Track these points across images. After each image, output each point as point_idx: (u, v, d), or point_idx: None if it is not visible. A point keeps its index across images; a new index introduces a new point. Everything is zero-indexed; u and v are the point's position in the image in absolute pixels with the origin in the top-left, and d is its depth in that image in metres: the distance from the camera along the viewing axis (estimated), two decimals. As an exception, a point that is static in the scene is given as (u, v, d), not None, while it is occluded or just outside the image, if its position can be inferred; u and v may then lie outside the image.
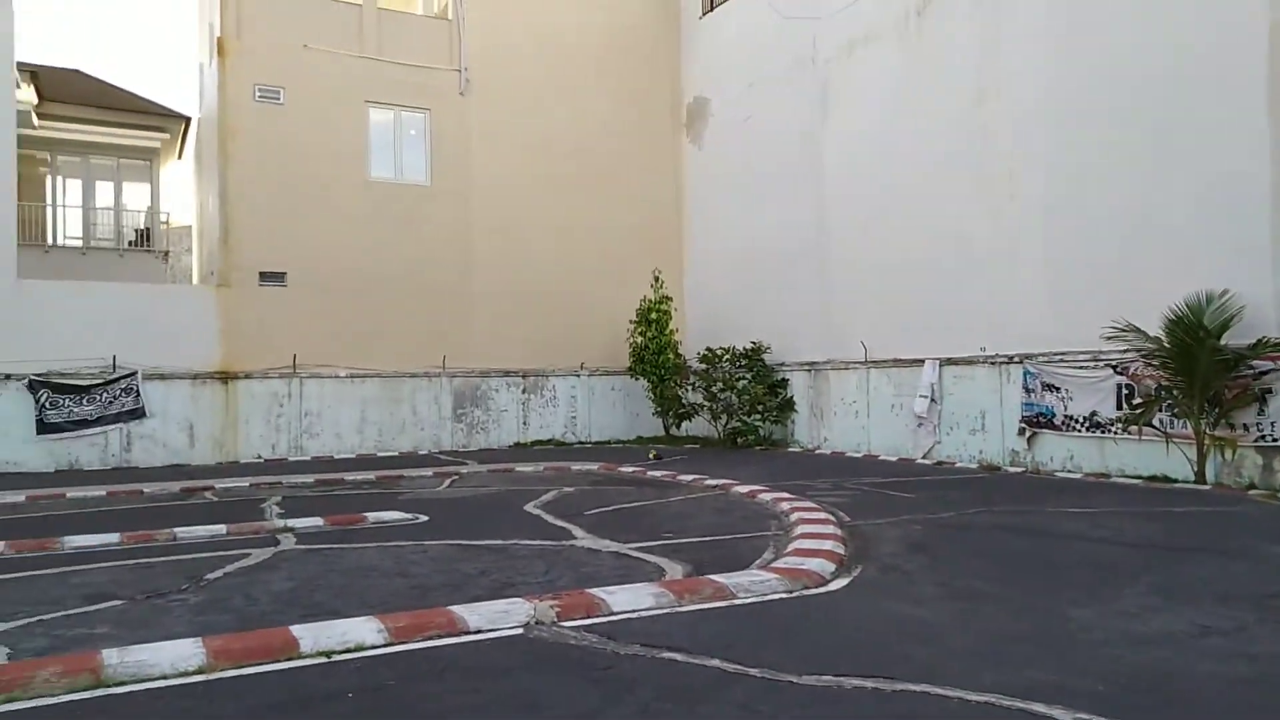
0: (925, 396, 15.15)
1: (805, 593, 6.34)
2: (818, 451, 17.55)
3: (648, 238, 21.62)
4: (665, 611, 5.82)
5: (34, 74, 19.63)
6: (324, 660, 4.87)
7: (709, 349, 19.34)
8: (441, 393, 19.60)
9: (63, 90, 21.10)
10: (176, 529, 9.10)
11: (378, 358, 18.84)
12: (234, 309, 17.77)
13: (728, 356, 18.97)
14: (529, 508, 10.84)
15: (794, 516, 9.27)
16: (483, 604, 5.84)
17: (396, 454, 18.59)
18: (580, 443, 20.75)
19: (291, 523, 9.62)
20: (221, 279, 17.95)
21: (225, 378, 17.63)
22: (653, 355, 19.86)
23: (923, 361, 15.34)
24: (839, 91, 17.47)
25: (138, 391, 16.85)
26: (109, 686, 4.41)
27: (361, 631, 5.21)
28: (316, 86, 18.41)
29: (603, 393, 21.31)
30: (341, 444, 18.55)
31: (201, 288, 19.30)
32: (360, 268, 18.65)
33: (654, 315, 19.89)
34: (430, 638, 5.27)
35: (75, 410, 16.38)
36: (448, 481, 13.87)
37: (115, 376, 16.70)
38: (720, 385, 18.81)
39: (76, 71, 22.52)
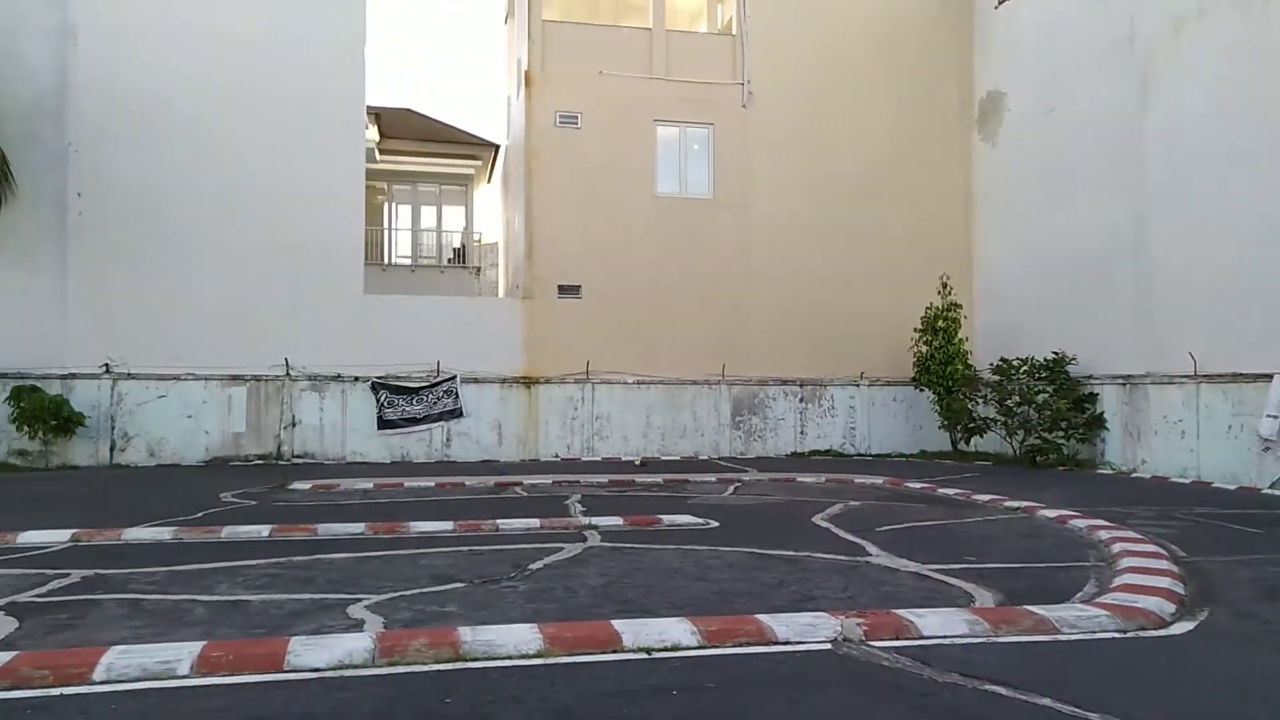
0: (1275, 417, 13.14)
1: (1142, 634, 5.75)
2: (1134, 475, 15.81)
3: (933, 242, 20.69)
4: (981, 640, 5.54)
5: (377, 115, 22.66)
6: (645, 656, 5.16)
7: (1003, 359, 18.09)
8: (721, 400, 20.02)
9: (398, 127, 24.16)
10: (498, 520, 10.06)
11: (662, 365, 19.64)
12: (536, 319, 19.34)
13: (1025, 368, 17.63)
14: (817, 520, 10.76)
15: (1116, 548, 8.43)
16: (788, 615, 5.89)
17: (678, 458, 19.26)
18: (860, 455, 20.27)
19: (594, 520, 10.28)
20: (525, 292, 19.61)
21: (528, 382, 19.23)
22: (939, 365, 18.95)
23: (1270, 377, 13.32)
24: (1163, 76, 15.66)
25: (457, 394, 18.84)
26: (466, 661, 4.98)
27: (677, 632, 5.45)
28: (610, 109, 19.59)
29: (883, 403, 20.68)
30: (628, 446, 19.53)
31: (509, 300, 21.23)
32: (647, 279, 19.56)
33: (941, 323, 18.98)
34: (740, 644, 5.40)
35: (407, 409, 18.64)
36: (731, 488, 14.13)
37: (439, 380, 18.79)
38: (1017, 399, 17.53)
39: (409, 110, 25.68)
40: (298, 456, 18.07)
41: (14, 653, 4.82)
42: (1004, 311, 19.84)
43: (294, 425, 18.14)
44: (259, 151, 17.98)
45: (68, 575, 7.25)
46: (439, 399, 18.80)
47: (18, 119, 16.87)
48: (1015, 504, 11.69)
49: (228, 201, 17.82)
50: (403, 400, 18.64)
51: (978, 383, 19.11)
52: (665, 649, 5.25)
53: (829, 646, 5.41)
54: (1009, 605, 6.35)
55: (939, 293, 19.24)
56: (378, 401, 18.49)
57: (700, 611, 6.06)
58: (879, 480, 14.90)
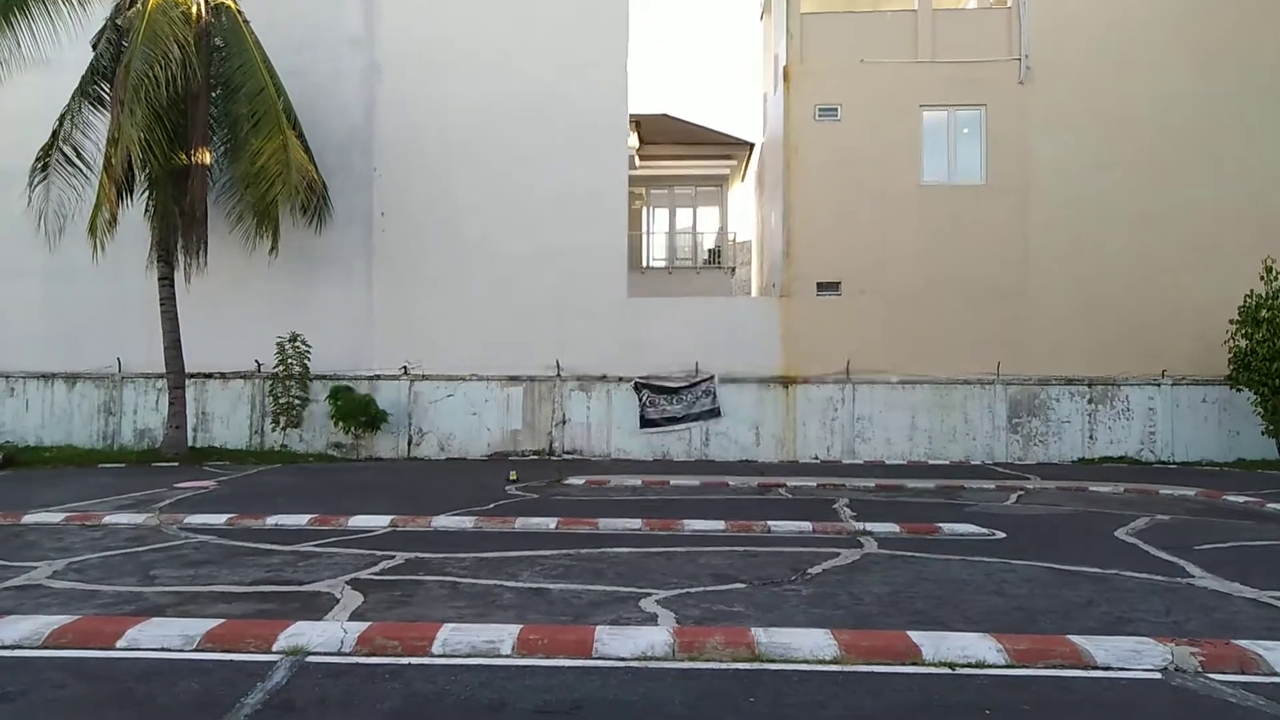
0: None
1: None
2: None
3: (1253, 220, 18.06)
4: (1357, 684, 4.74)
5: (637, 123, 23.50)
6: (947, 671, 4.92)
7: (1347, 354, 15.46)
8: (996, 401, 18.74)
9: (655, 133, 24.91)
10: (769, 522, 10.05)
11: (929, 364, 18.71)
12: (794, 318, 19.15)
13: (1378, 364, 14.96)
14: (1120, 534, 9.75)
15: None
16: (1103, 638, 5.40)
17: (947, 462, 18.26)
18: (1161, 462, 18.14)
19: (868, 526, 9.97)
20: (783, 290, 19.47)
21: (786, 382, 19.08)
22: (1262, 361, 16.50)
23: None
24: None
25: (714, 394, 19.10)
26: (763, 661, 5.00)
27: (981, 648, 5.16)
28: (871, 98, 18.97)
29: (1190, 405, 18.35)
30: (891, 449, 18.82)
31: (766, 299, 21.19)
32: (912, 273, 18.72)
33: (1265, 313, 16.52)
34: (1053, 665, 5.02)
35: (667, 409, 19.17)
36: (1014, 496, 13.17)
37: (697, 380, 19.14)
38: (1367, 400, 14.91)
39: (665, 115, 26.42)
40: (567, 452, 19.16)
41: (368, 623, 5.49)
42: (1346, 298, 16.92)
43: (564, 423, 19.25)
44: (532, 165, 19.27)
45: (393, 557, 8.15)
46: (698, 399, 19.15)
47: (335, 150, 19.27)
48: (1376, 525, 9.93)
49: (504, 214, 19.27)
50: (663, 399, 19.18)
51: (1313, 381, 16.46)
52: (970, 665, 4.99)
53: (1159, 676, 4.90)
54: (1389, 646, 5.37)
55: (1263, 278, 16.75)
56: (640, 401, 19.17)
57: (1000, 628, 5.70)
58: (1190, 491, 13.26)
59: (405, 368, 19.18)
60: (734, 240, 27.15)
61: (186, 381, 17.90)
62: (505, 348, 19.09)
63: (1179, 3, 18.63)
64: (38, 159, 16.75)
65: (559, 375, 19.19)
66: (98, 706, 4.36)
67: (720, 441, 19.13)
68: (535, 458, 18.95)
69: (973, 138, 18.94)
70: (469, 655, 5.01)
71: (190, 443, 18.04)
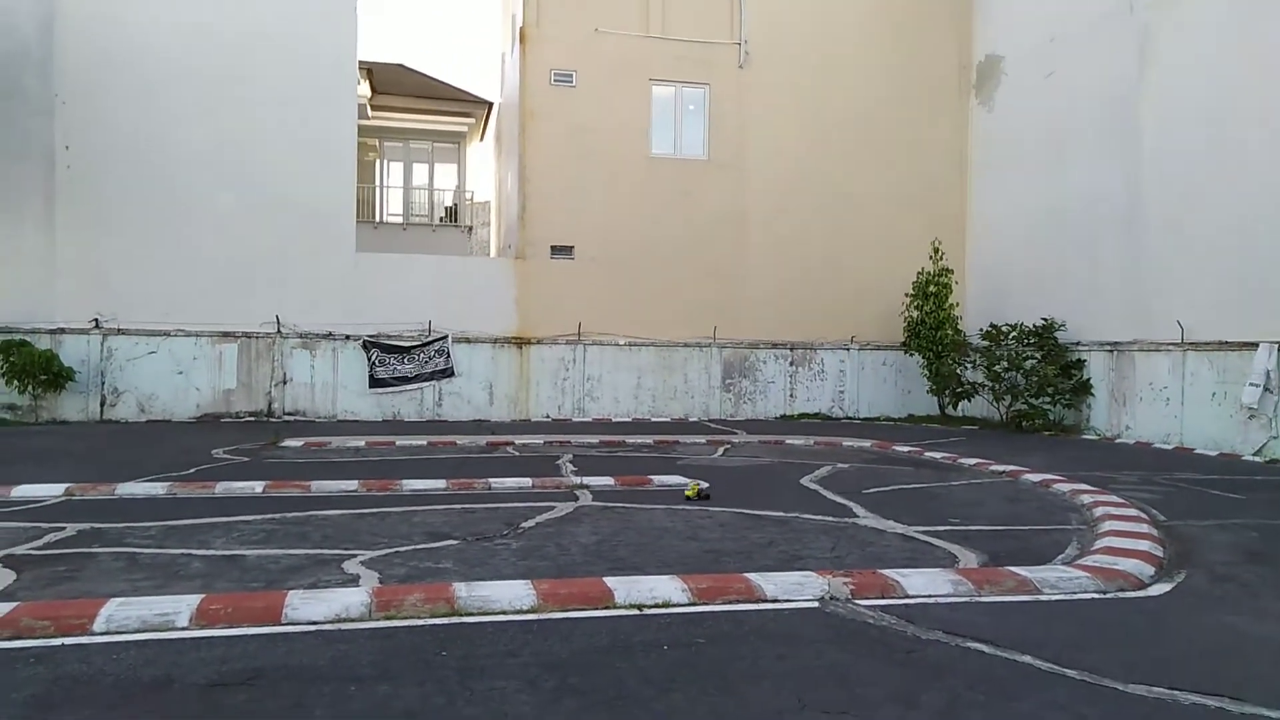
0: (1258, 385, 13.30)
1: (1121, 595, 5.91)
2: (1117, 441, 16.02)
3: (926, 207, 20.68)
4: (964, 600, 5.68)
5: (369, 70, 22.32)
6: (636, 612, 5.27)
7: (993, 325, 18.22)
8: (712, 362, 20.10)
9: (390, 83, 23.80)
10: (490, 479, 10.15)
11: (654, 327, 19.66)
12: (528, 280, 19.29)
13: (1014, 334, 17.76)
14: (805, 482, 10.90)
15: (1098, 511, 8.60)
16: (776, 574, 6.01)
17: (669, 420, 19.38)
18: (848, 418, 20.44)
19: (585, 480, 10.38)
20: (518, 252, 19.53)
21: (520, 343, 19.24)
22: (929, 330, 19.04)
23: (1256, 345, 13.46)
24: (1160, 43, 15.57)
25: (448, 353, 18.85)
26: (461, 615, 5.07)
27: (668, 589, 5.56)
28: (605, 67, 19.37)
29: (873, 367, 20.80)
30: (619, 408, 19.63)
31: (500, 260, 21.13)
32: (640, 241, 19.51)
33: (932, 288, 19.04)
34: (730, 601, 5.52)
35: (398, 368, 18.64)
36: (721, 450, 14.26)
37: (430, 339, 18.77)
38: (1005, 364, 17.67)
39: (401, 66, 25.25)
40: (289, 414, 18.10)
41: (14, 604, 4.88)
42: (995, 277, 19.92)
43: (285, 383, 18.14)
44: (251, 106, 17.75)
45: (63, 529, 7.31)
46: (430, 358, 18.80)
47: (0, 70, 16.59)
48: (1000, 468, 11.85)
49: (219, 156, 17.64)
50: (394, 359, 18.63)
51: (967, 348, 19.25)
52: (657, 605, 5.36)
53: (816, 605, 5.53)
54: (992, 566, 6.48)
55: (931, 258, 19.27)
56: (369, 360, 18.49)
57: (691, 570, 6.17)
58: (867, 443, 15.06)
59: (97, 320, 17.13)
60: (472, 199, 26.74)
61: None
62: (219, 302, 17.63)
63: (875, 14, 20.75)
64: None
65: (279, 332, 18.02)
66: None
67: (453, 401, 18.95)
68: (252, 420, 17.73)
69: (698, 115, 19.98)
70: (138, 631, 4.62)
71: None
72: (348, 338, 18.40)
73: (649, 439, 15.38)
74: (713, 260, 19.89)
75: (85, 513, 8.02)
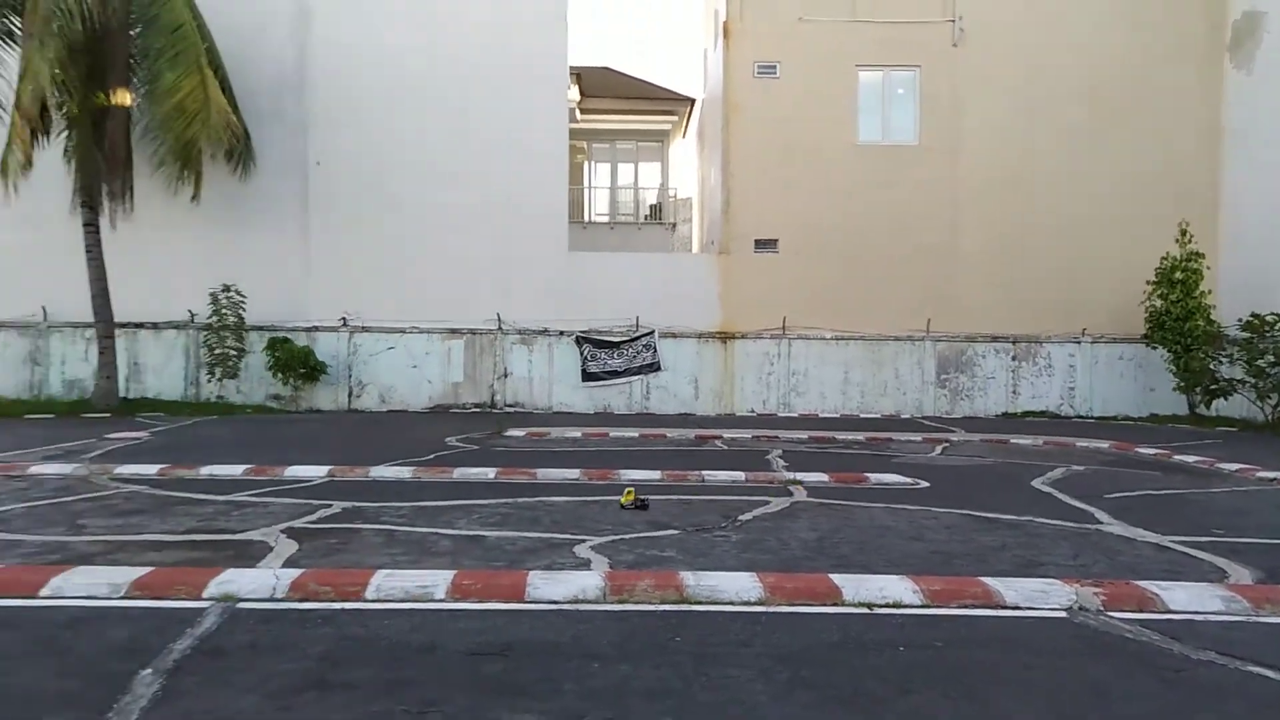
0: None
1: None
2: None
3: (1172, 185, 18.74)
4: (1239, 619, 5.13)
5: (578, 75, 23.17)
6: (865, 611, 5.15)
7: (1255, 315, 16.26)
8: (925, 357, 19.27)
9: (597, 86, 24.60)
10: (703, 472, 10.27)
11: (862, 320, 19.12)
12: (732, 274, 19.33)
13: (1280, 324, 15.78)
14: (1037, 484, 10.22)
15: (1400, 527, 7.47)
16: (1016, 580, 5.69)
17: (878, 416, 18.78)
18: (1080, 417, 18.92)
19: (798, 475, 10.26)
20: (722, 247, 19.61)
21: (724, 337, 19.32)
22: (1175, 321, 17.27)
23: None
24: None
25: (655, 348, 19.25)
26: (690, 604, 5.17)
27: (898, 589, 5.40)
28: (809, 57, 19.03)
29: (1108, 362, 19.14)
30: (825, 403, 19.26)
31: (705, 256, 21.29)
32: (847, 232, 19.02)
33: (1179, 275, 17.25)
34: (965, 606, 5.28)
35: (609, 363, 19.27)
36: (939, 448, 13.65)
37: (638, 334, 19.25)
38: (1270, 358, 15.72)
39: (607, 69, 26.10)
40: (509, 405, 19.16)
41: (300, 570, 5.51)
42: (1255, 261, 17.73)
43: (505, 376, 19.22)
44: (473, 116, 18.92)
45: (330, 505, 8.15)
46: (638, 353, 19.28)
47: (266, 94, 18.64)
48: (1269, 474, 10.58)
49: (445, 166, 18.93)
50: (605, 354, 19.27)
51: (1222, 340, 17.29)
52: (887, 605, 5.23)
53: (1063, 615, 5.20)
54: (1272, 584, 5.80)
55: (1177, 241, 17.46)
56: (582, 355, 19.22)
57: (918, 571, 5.96)
58: (1104, 444, 13.90)
59: (345, 319, 18.88)
60: (675, 196, 27.13)
61: (116, 331, 17.35)
62: (446, 300, 18.92)
63: (1112, -32, 19.02)
64: (-53, 98, 15.88)
65: (500, 329, 19.11)
66: (20, 654, 4.32)
67: (660, 395, 19.33)
68: (477, 410, 18.93)
69: (908, 99, 19.19)
70: (402, 600, 5.08)
71: (123, 394, 17.56)
72: (561, 334, 19.22)
73: (859, 435, 14.98)
74: (924, 250, 19.05)
75: (346, 492, 8.90)
